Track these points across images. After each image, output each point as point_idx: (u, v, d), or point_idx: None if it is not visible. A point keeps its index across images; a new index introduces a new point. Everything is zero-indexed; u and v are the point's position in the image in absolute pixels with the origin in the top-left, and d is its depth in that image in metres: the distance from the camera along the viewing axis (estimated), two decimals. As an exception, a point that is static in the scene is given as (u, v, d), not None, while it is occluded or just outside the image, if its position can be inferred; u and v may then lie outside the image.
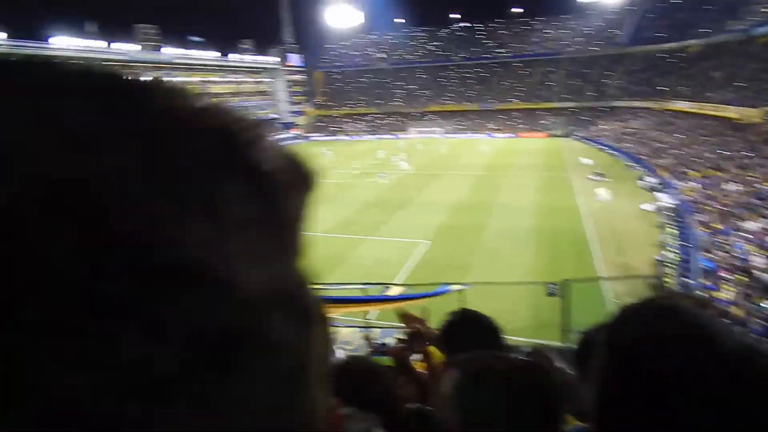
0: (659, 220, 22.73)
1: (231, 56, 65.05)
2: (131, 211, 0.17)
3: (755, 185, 22.24)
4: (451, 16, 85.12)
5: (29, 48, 39.57)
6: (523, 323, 14.21)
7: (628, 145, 43.27)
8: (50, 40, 41.82)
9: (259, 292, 0.21)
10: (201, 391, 0.18)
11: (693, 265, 15.79)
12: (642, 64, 64.63)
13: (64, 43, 42.48)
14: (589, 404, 0.64)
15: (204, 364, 0.18)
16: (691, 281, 14.91)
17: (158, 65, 54.44)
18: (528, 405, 0.88)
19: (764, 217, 17.78)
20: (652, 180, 30.66)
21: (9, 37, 37.66)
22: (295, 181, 0.25)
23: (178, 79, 56.01)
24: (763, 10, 45.68)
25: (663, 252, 17.91)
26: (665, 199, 25.38)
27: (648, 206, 25.28)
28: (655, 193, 27.83)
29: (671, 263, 16.47)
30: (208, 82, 60.99)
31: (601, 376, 0.62)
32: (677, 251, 17.51)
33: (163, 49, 55.45)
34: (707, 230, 18.45)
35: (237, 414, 0.20)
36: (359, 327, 10.73)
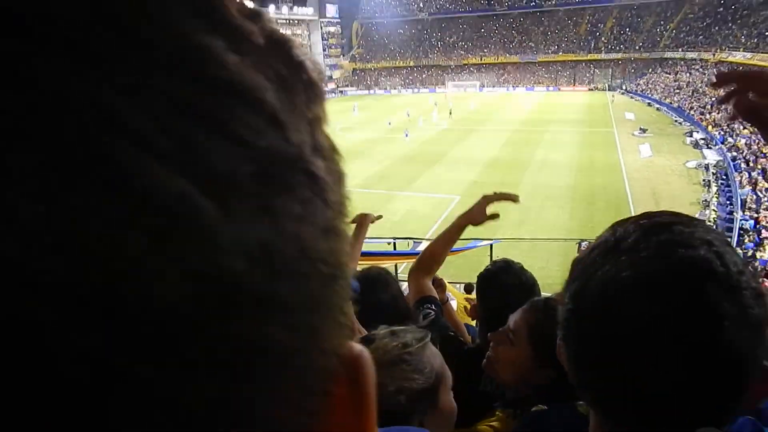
0: (704, 178, 21.78)
1: (270, 8, 64.30)
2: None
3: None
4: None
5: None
6: (552, 281, 14.15)
7: (678, 99, 40.99)
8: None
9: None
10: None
11: (735, 224, 15.20)
12: (700, 11, 60.14)
13: None
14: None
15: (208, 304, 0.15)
16: (730, 239, 14.41)
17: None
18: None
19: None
20: (699, 136, 29.17)
21: None
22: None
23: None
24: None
25: (704, 210, 17.26)
26: (712, 156, 24.21)
27: (693, 163, 24.21)
28: (702, 150, 26.56)
29: (712, 222, 15.89)
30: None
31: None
32: (718, 209, 16.86)
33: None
34: (753, 188, 17.59)
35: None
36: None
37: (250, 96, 0.18)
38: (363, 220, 2.62)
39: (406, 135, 34.14)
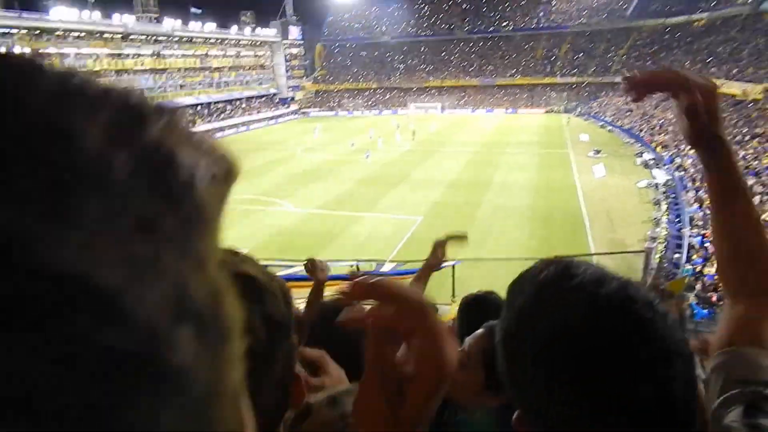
0: (654, 196, 22.71)
1: (231, 29, 64.06)
2: None
3: (751, 162, 22.14)
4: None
5: (32, 19, 39.20)
6: (512, 299, 14.35)
7: (629, 121, 42.89)
8: (50, 11, 41.43)
9: (157, 306, 0.17)
10: (90, 421, 0.15)
11: (684, 240, 15.86)
12: (648, 38, 63.57)
13: (63, 15, 42.00)
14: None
15: (93, 390, 0.15)
16: (679, 256, 15.00)
17: (156, 37, 53.83)
18: None
19: (757, 193, 17.74)
20: (649, 156, 30.51)
21: (5, 7, 37.30)
22: (209, 172, 0.20)
23: (178, 51, 55.27)
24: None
25: (655, 228, 17.97)
26: (661, 176, 25.32)
27: (644, 183, 25.25)
28: (652, 170, 27.76)
29: (662, 239, 16.53)
30: (207, 55, 60.28)
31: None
32: (668, 227, 17.56)
33: (162, 21, 54.73)
34: (700, 206, 18.44)
35: None
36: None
37: (82, 285, 0.15)
38: (313, 271, 2.28)
39: (367, 156, 34.30)
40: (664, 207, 20.21)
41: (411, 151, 38.27)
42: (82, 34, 44.50)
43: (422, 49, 79.70)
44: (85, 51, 44.17)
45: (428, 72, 75.13)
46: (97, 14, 45.29)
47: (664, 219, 18.74)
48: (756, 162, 22.21)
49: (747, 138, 26.22)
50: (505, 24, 76.35)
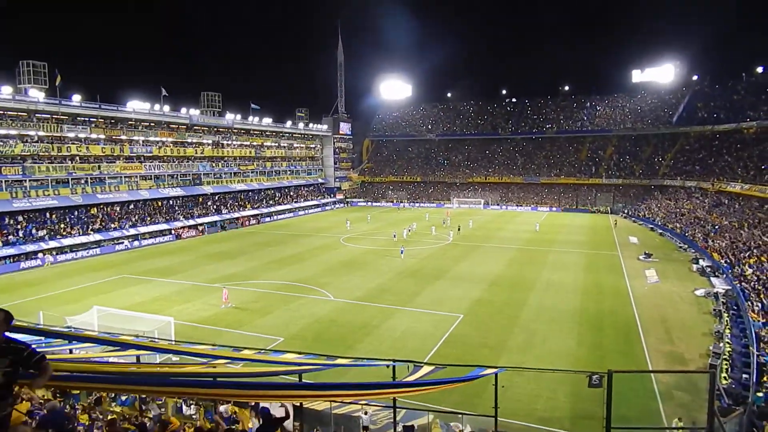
0: (714, 307, 21.31)
1: (286, 123, 68.53)
2: None
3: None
4: (502, 92, 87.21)
5: (110, 110, 43.45)
6: (560, 413, 13.25)
7: (680, 225, 41.58)
8: (127, 104, 45.94)
9: None
10: None
11: (752, 359, 14.48)
12: (695, 144, 63.35)
13: (138, 107, 46.43)
14: None
15: None
16: (747, 377, 13.62)
17: (218, 129, 58.13)
18: None
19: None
20: (705, 263, 29.09)
21: (84, 99, 41.46)
22: None
23: (235, 142, 59.18)
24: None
25: (718, 343, 16.61)
26: (720, 285, 23.90)
27: (702, 291, 23.87)
28: (709, 278, 26.33)
29: (727, 356, 15.18)
30: (262, 146, 64.14)
31: None
32: (732, 343, 16.19)
33: (224, 115, 59.36)
34: (765, 320, 17.05)
35: None
36: (385, 405, 10.26)
37: None
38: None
39: (402, 252, 34.06)
40: (725, 319, 18.81)
41: (453, 245, 38.08)
42: (152, 124, 48.68)
43: (467, 146, 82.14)
44: (153, 138, 47.99)
45: (472, 168, 76.76)
46: (166, 108, 49.80)
47: (727, 333, 17.34)
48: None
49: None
50: (548, 126, 78.22)
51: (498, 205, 68.07)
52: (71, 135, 40.79)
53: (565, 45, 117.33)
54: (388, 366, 10.29)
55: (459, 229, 43.94)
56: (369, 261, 32.39)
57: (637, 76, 76.60)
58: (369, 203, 73.96)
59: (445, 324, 19.82)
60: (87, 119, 42.79)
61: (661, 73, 74.51)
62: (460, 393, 13.00)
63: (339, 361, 10.82)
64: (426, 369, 9.39)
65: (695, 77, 73.95)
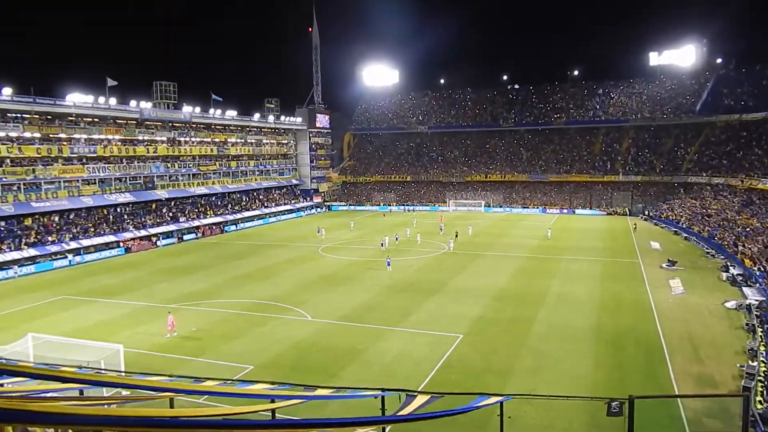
0: (747, 321, 21.63)
1: (254, 116, 68.07)
2: None
3: None
4: (503, 77, 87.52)
5: (44, 105, 42.79)
6: (576, 446, 13.32)
7: (707, 228, 42.21)
8: (67, 97, 45.16)
9: None
10: None
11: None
12: (722, 135, 64.29)
13: (79, 101, 45.68)
14: None
15: None
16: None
17: (174, 124, 57.46)
18: None
19: None
20: (736, 271, 29.54)
21: (15, 93, 40.74)
22: None
23: (194, 139, 58.74)
24: None
25: (751, 362, 16.84)
26: (753, 295, 24.27)
27: (733, 303, 24.21)
28: (740, 287, 26.73)
29: (762, 377, 15.38)
30: (225, 142, 63.52)
31: None
32: (767, 361, 16.42)
33: (180, 108, 58.79)
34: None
35: None
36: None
37: None
38: None
39: (388, 264, 34.00)
40: (760, 335, 19.08)
41: (451, 254, 38.21)
42: (96, 119, 48.06)
43: (463, 140, 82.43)
44: (97, 136, 47.36)
45: (470, 165, 77.05)
46: (113, 100, 49.17)
47: (762, 350, 17.59)
48: None
49: None
50: (557, 116, 78.70)
51: (501, 207, 68.56)
52: (1, 134, 40.19)
53: (574, 24, 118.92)
54: (376, 397, 10.26)
55: (456, 236, 44.12)
56: (353, 274, 32.34)
57: (655, 59, 77.94)
58: (351, 207, 73.89)
59: (443, 346, 19.83)
60: (19, 115, 42.26)
61: (681, 56, 76.00)
62: (460, 426, 12.97)
63: (319, 392, 10.75)
64: (421, 399, 9.32)
65: (719, 60, 75.28)
